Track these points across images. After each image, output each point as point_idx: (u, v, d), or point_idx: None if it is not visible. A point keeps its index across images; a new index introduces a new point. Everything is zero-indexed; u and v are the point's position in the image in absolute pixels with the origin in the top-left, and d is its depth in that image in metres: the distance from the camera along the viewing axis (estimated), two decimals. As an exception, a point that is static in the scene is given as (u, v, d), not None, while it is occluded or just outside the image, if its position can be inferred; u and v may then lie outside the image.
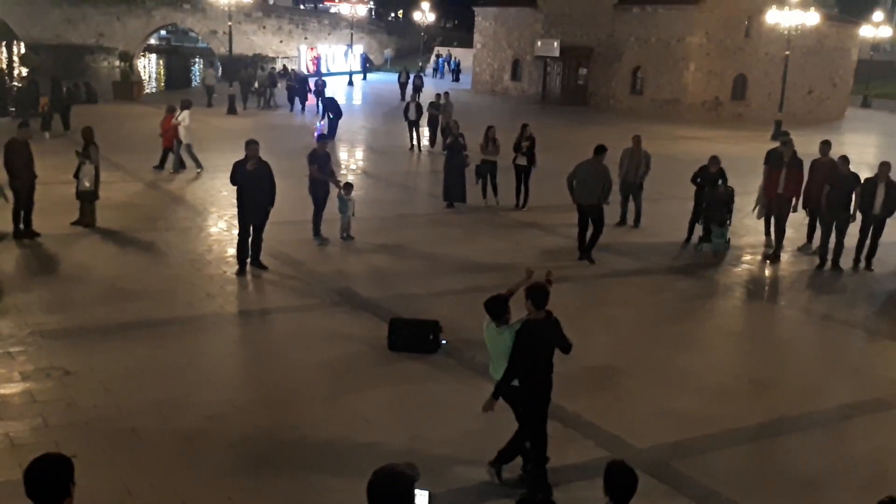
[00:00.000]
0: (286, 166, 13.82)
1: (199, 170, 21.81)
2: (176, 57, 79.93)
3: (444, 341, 10.67)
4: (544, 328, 7.24)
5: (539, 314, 7.20)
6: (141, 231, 15.64)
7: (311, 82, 39.60)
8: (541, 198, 19.44)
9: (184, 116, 21.92)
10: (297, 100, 38.27)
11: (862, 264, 15.40)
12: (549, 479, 7.35)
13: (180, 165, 22.02)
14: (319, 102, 32.18)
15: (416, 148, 28.29)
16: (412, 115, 28.49)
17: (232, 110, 34.95)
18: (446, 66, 66.66)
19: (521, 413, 7.50)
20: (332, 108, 29.61)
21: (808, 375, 10.70)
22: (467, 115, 29.78)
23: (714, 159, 16.55)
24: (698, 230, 16.51)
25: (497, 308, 7.38)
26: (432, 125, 28.71)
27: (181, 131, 21.77)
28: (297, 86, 38.92)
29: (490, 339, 7.45)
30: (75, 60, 58.90)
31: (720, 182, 16.16)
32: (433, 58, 70.95)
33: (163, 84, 59.96)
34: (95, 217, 15.68)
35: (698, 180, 16.47)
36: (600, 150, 15.18)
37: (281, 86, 41.60)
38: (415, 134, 28.48)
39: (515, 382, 7.30)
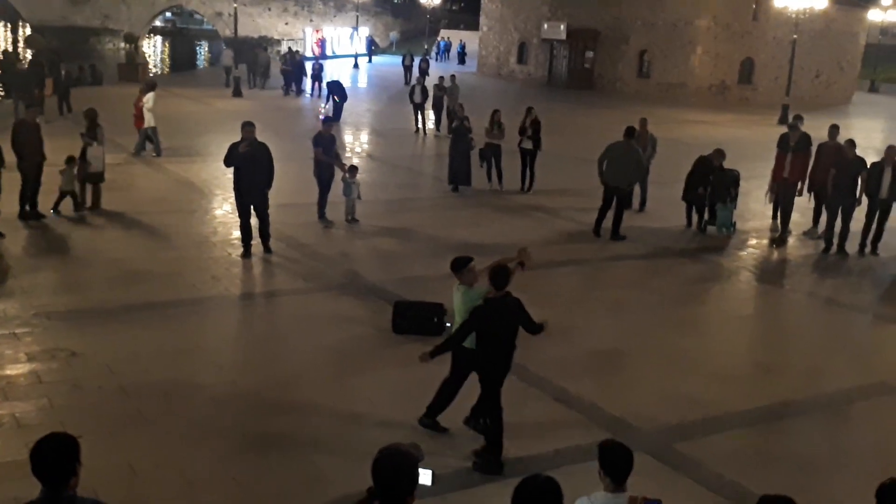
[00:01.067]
0: (291, 148, 13.83)
1: (154, 155, 21.06)
2: (181, 39, 79.80)
3: (448, 324, 10.66)
4: (501, 307, 7.27)
5: (497, 294, 7.27)
6: (146, 213, 15.65)
7: (309, 66, 38.93)
8: (546, 181, 19.41)
9: (148, 98, 21.06)
10: (291, 84, 37.67)
11: (868, 249, 15.37)
12: (501, 459, 7.50)
13: (142, 148, 21.29)
14: (325, 86, 32.04)
15: (421, 131, 28.25)
16: (417, 97, 28.40)
17: (237, 93, 34.89)
18: (448, 51, 66.36)
19: (481, 380, 7.65)
20: (337, 91, 29.56)
21: (812, 359, 10.70)
22: (473, 98, 29.73)
23: (718, 152, 16.44)
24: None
25: (455, 264, 7.83)
26: (437, 108, 28.65)
27: (146, 114, 20.93)
28: (293, 69, 38.15)
29: (454, 294, 7.79)
30: (80, 43, 58.76)
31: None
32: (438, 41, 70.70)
33: (168, 66, 59.87)
34: (100, 199, 15.70)
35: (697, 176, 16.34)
36: (630, 132, 15.52)
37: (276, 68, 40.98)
38: (420, 117, 28.43)
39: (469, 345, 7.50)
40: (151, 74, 44.59)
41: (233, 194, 13.55)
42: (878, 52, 52.89)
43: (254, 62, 40.10)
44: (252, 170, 13.04)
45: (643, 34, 43.35)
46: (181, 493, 6.93)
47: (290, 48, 46.14)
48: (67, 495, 3.96)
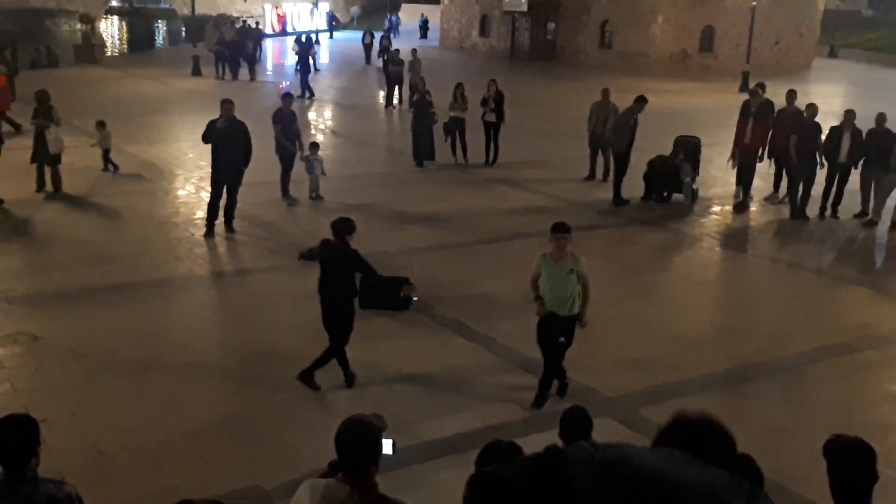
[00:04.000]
0: (253, 126, 13.70)
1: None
2: (138, 18, 78.54)
3: (415, 298, 10.68)
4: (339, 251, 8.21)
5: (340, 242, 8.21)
6: (106, 196, 15.47)
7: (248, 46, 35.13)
8: (511, 154, 19.41)
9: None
10: (225, 66, 33.61)
11: (828, 212, 15.56)
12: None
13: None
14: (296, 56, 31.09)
15: (396, 106, 27.85)
16: (391, 72, 28.15)
17: (197, 71, 34.37)
18: (398, 27, 65.23)
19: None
20: (305, 48, 29.75)
21: (775, 322, 10.84)
22: (436, 72, 29.59)
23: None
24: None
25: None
26: (397, 82, 28.40)
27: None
28: (227, 51, 33.98)
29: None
30: (35, 24, 57.63)
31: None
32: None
33: (125, 46, 58.94)
34: (60, 182, 15.48)
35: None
36: (639, 100, 16.05)
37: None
38: (396, 91, 28.01)
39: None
40: (109, 55, 43.86)
41: (194, 174, 13.43)
42: (837, 17, 53.25)
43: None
44: (229, 147, 13.01)
45: (604, 4, 43.28)
46: (148, 473, 6.91)
47: (231, 22, 44.71)
48: (29, 476, 3.93)
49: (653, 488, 2.24)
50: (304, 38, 33.64)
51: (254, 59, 35.03)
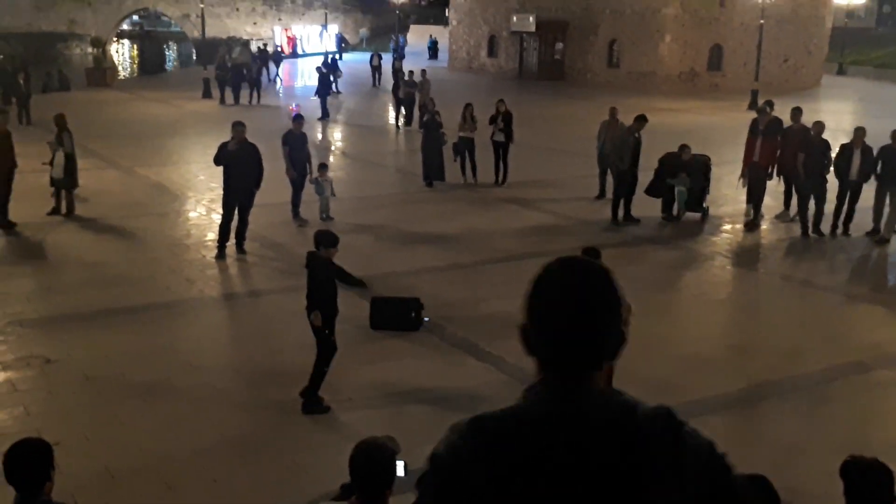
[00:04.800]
0: (263, 148, 13.79)
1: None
2: (149, 42, 79.14)
3: (426, 318, 10.68)
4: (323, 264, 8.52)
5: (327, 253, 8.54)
6: (118, 218, 15.53)
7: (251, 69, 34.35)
8: (520, 173, 19.42)
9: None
10: (227, 90, 32.92)
11: (840, 230, 15.50)
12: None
13: None
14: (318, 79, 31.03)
15: (401, 127, 28.07)
16: (401, 93, 28.39)
17: (207, 94, 34.58)
18: (404, 47, 65.46)
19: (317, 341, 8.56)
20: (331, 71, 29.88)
21: (787, 341, 10.78)
22: (444, 92, 29.70)
23: (684, 148, 16.52)
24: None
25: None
26: (409, 103, 28.58)
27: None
28: (232, 74, 33.40)
29: None
30: (47, 48, 58.13)
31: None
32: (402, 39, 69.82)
33: (136, 69, 59.42)
34: (74, 205, 15.56)
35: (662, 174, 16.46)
36: (639, 119, 16.01)
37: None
38: (402, 112, 28.19)
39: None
40: (120, 77, 44.18)
41: (205, 196, 13.50)
42: (845, 35, 53.26)
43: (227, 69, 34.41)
44: (241, 169, 13.10)
45: (612, 24, 43.43)
46: (160, 495, 6.90)
47: (243, 45, 45.19)
48: (42, 500, 3.93)
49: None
50: (329, 60, 34.71)
51: (258, 83, 34.39)
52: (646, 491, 1.89)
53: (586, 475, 1.89)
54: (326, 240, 8.66)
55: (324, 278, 8.60)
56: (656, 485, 1.90)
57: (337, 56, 39.54)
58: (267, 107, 32.15)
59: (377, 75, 41.96)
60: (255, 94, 33.47)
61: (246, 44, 49.24)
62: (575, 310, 2.00)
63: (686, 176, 16.21)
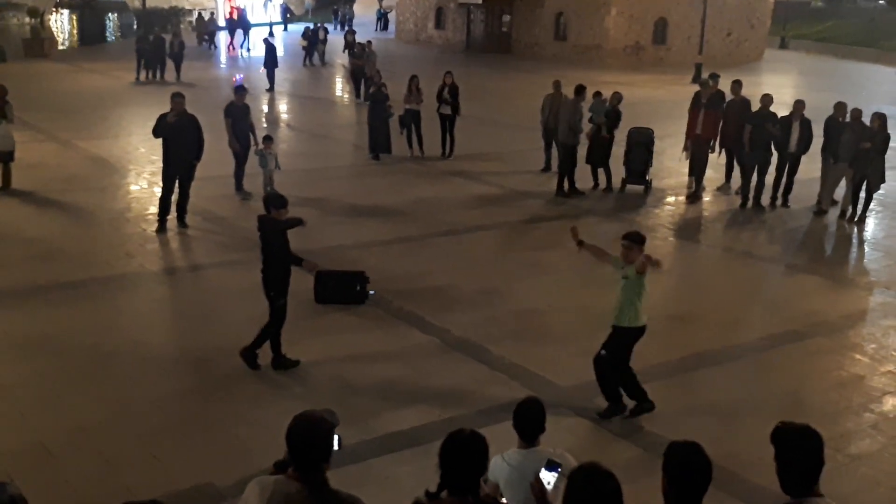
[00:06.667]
0: (206, 120, 13.57)
1: None
2: (89, 11, 77.26)
3: (371, 292, 10.65)
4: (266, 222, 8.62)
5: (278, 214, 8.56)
6: (56, 192, 15.21)
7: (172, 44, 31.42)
8: (466, 146, 19.41)
9: None
10: (145, 65, 30.81)
11: (779, 201, 15.76)
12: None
13: None
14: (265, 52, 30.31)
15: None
16: (349, 65, 28.25)
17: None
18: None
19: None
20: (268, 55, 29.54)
21: (727, 311, 10.97)
22: (391, 64, 29.50)
23: (616, 95, 16.84)
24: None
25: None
26: (356, 76, 28.29)
27: None
28: (150, 48, 31.16)
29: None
30: (-19, 18, 56.45)
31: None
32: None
33: (76, 40, 57.97)
34: (10, 178, 15.20)
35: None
36: (578, 90, 16.18)
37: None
38: (362, 86, 27.60)
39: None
40: (59, 48, 43.13)
41: (145, 169, 13.27)
42: (787, 9, 53.86)
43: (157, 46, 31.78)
44: (181, 141, 12.89)
45: (559, -4, 43.42)
46: (99, 471, 6.81)
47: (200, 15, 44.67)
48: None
49: None
50: (310, 33, 37.19)
51: (180, 58, 31.30)
52: None
53: None
54: (276, 202, 8.63)
55: (277, 240, 8.59)
56: None
57: (321, 31, 39.14)
58: (192, 85, 30.73)
59: (308, 56, 38.05)
60: (178, 69, 31.07)
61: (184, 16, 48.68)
62: None
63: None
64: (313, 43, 37.56)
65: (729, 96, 16.41)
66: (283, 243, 8.65)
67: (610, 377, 7.92)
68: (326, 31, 40.73)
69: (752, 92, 16.36)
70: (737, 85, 16.28)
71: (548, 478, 4.19)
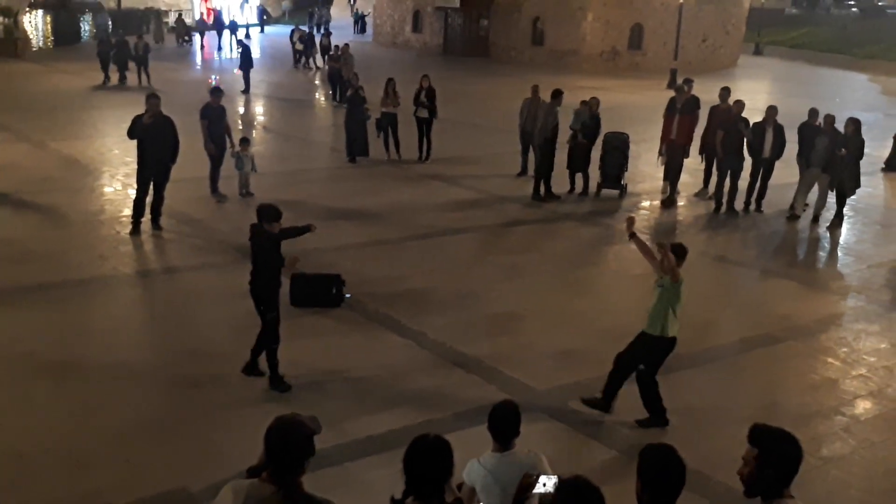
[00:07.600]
0: (181, 121, 13.49)
1: None
2: (64, 12, 76.66)
3: (347, 295, 10.63)
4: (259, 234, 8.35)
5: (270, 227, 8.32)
6: (29, 193, 15.05)
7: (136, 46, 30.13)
8: (443, 150, 19.42)
9: None
10: (115, 68, 29.92)
11: (753, 206, 15.88)
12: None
13: None
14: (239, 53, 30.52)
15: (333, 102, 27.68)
16: (327, 68, 28.26)
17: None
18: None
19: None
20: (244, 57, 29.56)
21: (701, 314, 10.99)
22: (368, 67, 29.45)
23: (594, 100, 17.05)
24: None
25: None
26: (333, 78, 28.26)
27: None
28: (114, 50, 30.35)
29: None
30: (-47, 17, 55.87)
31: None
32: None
33: (50, 40, 57.54)
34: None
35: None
36: (555, 94, 16.14)
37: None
38: (339, 89, 27.55)
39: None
40: (33, 49, 42.75)
41: (119, 171, 13.17)
42: (762, 15, 54.36)
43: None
44: (156, 143, 12.78)
45: (535, 2, 43.56)
46: (71, 476, 6.74)
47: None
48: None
49: None
50: (306, 35, 37.77)
51: (145, 61, 30.09)
52: None
53: None
54: (269, 214, 8.36)
55: (268, 253, 8.38)
56: None
57: (316, 34, 39.81)
58: (161, 91, 30.78)
59: (299, 56, 38.39)
60: (144, 73, 29.96)
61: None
62: None
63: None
64: (309, 46, 37.76)
65: (715, 102, 16.49)
66: (277, 253, 8.42)
67: (651, 389, 7.94)
68: (330, 33, 41.79)
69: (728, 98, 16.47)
70: (725, 92, 16.42)
71: (545, 480, 4.21)
